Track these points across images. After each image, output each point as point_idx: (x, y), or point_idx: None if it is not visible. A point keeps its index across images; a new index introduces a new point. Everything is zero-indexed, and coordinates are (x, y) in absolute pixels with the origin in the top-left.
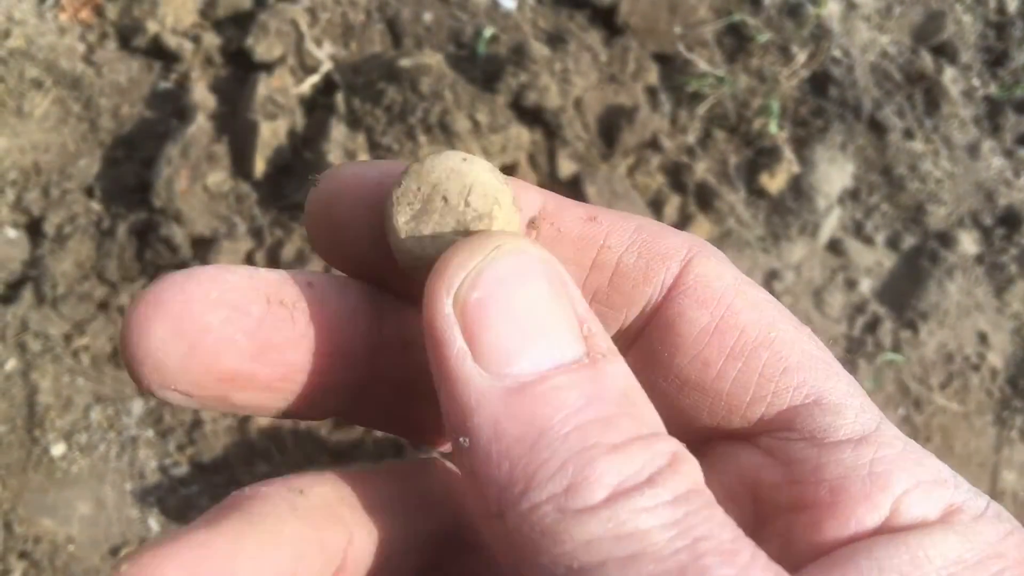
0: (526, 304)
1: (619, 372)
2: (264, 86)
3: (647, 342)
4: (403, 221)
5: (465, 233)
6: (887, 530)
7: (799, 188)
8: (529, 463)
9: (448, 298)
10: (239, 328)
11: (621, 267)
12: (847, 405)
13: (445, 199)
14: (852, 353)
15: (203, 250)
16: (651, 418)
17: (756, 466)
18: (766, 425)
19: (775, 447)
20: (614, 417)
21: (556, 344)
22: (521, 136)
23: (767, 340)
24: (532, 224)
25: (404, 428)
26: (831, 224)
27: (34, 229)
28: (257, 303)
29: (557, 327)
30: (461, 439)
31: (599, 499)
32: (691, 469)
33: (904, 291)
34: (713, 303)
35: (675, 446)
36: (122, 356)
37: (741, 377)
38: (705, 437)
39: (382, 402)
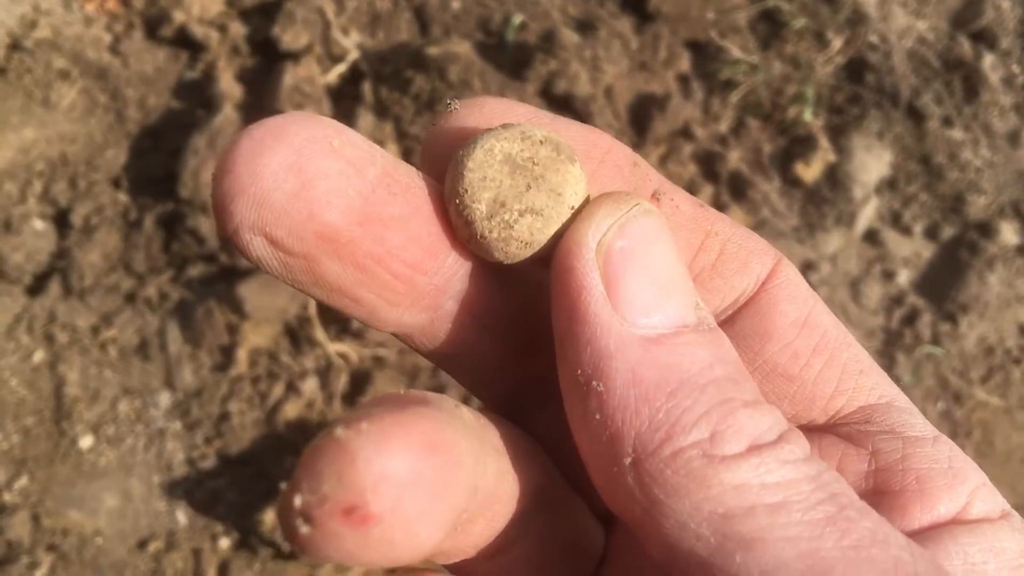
0: (663, 262)
1: (730, 345)
2: (291, 75)
3: (737, 328)
4: (485, 213)
5: (561, 209)
6: (960, 521)
7: (835, 177)
8: (673, 409)
9: (593, 242)
10: (353, 184)
11: (725, 254)
12: (914, 410)
13: (530, 180)
14: (890, 346)
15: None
16: (757, 387)
17: (839, 452)
18: (844, 418)
19: (856, 436)
20: (740, 379)
21: (684, 306)
22: None
23: (846, 343)
24: (655, 196)
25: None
26: (868, 214)
27: (61, 220)
28: (374, 168)
29: (684, 291)
30: (595, 383)
31: (743, 448)
32: (802, 438)
33: (943, 283)
34: (801, 300)
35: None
36: (216, 186)
37: (826, 371)
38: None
39: (476, 329)
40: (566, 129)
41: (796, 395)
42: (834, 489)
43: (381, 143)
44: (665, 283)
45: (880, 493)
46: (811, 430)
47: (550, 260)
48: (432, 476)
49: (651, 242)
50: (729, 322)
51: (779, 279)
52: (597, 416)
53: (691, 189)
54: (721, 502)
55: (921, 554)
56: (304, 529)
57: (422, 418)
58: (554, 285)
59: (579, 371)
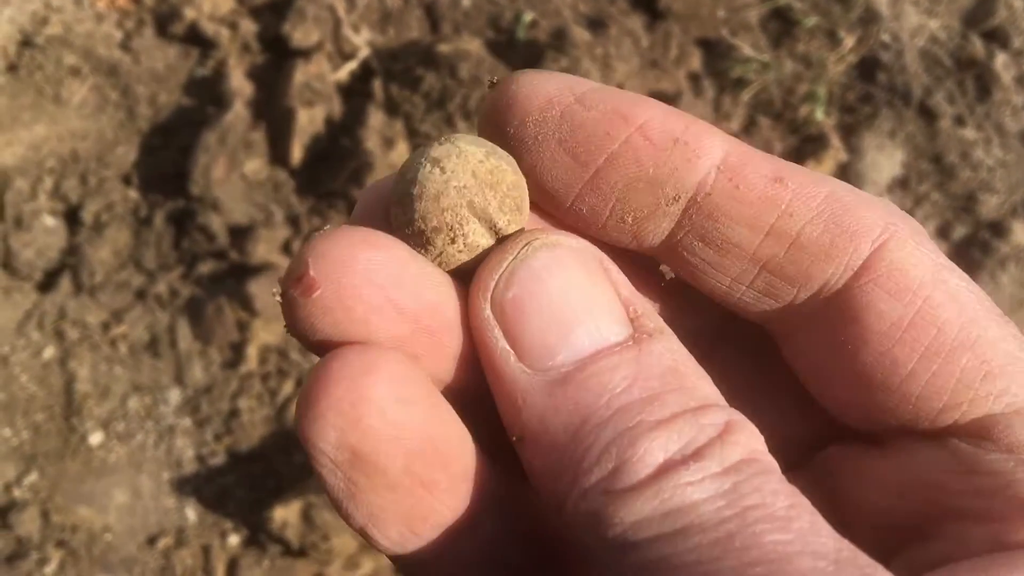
0: (561, 294)
1: (667, 348)
2: (301, 73)
3: (825, 328)
4: (442, 242)
5: (501, 241)
6: None
7: (846, 176)
8: (575, 451)
9: (486, 302)
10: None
11: (802, 239)
12: None
13: (484, 212)
14: None
15: (240, 238)
16: (703, 390)
17: (937, 468)
18: (957, 430)
19: (964, 453)
20: (660, 394)
21: (597, 328)
22: None
23: (968, 340)
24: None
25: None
26: None
27: (72, 217)
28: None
29: (596, 312)
30: (515, 437)
31: (644, 477)
32: (746, 438)
33: None
34: (908, 294)
35: (729, 415)
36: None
37: (935, 381)
38: (881, 430)
39: None
40: (594, 102)
41: (897, 408)
42: (748, 502)
43: (391, 141)
44: (568, 315)
45: (978, 519)
46: (915, 435)
47: None
48: (368, 264)
49: (544, 280)
50: (819, 324)
51: (880, 268)
52: (525, 466)
53: None
54: (625, 538)
55: (850, 560)
56: (276, 298)
57: (377, 236)
58: (474, 343)
59: (505, 427)
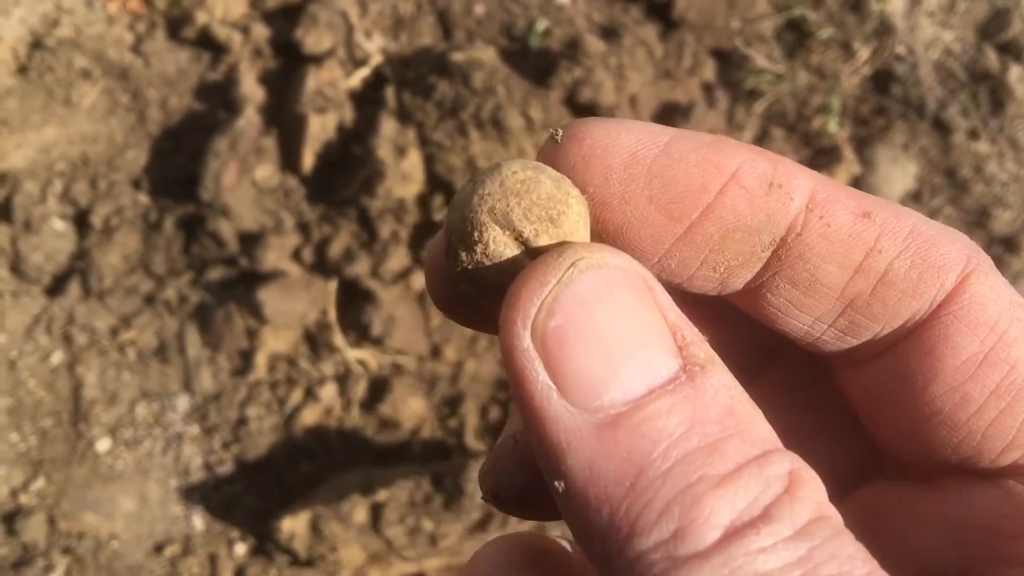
0: (610, 324)
1: (721, 384)
2: (313, 79)
3: (895, 359)
4: (464, 251)
5: (532, 254)
6: None
7: (859, 189)
8: (631, 507)
9: (525, 331)
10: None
11: (890, 275)
12: None
13: (505, 218)
14: None
15: (250, 245)
16: (761, 431)
17: (993, 510)
18: (1016, 471)
19: (1021, 496)
20: (720, 441)
21: (648, 363)
22: None
23: None
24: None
25: None
26: None
27: (81, 221)
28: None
29: (647, 344)
30: (556, 483)
31: (711, 542)
32: (812, 491)
33: None
34: (985, 330)
35: (791, 463)
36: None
37: (1002, 419)
38: (935, 466)
39: None
40: (681, 153)
41: (960, 444)
42: (826, 571)
43: (404, 150)
44: (617, 348)
45: None
46: (973, 473)
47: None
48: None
49: (591, 307)
50: (891, 353)
51: (961, 301)
52: (565, 515)
53: None
54: None
55: None
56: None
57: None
58: (508, 378)
59: (542, 468)
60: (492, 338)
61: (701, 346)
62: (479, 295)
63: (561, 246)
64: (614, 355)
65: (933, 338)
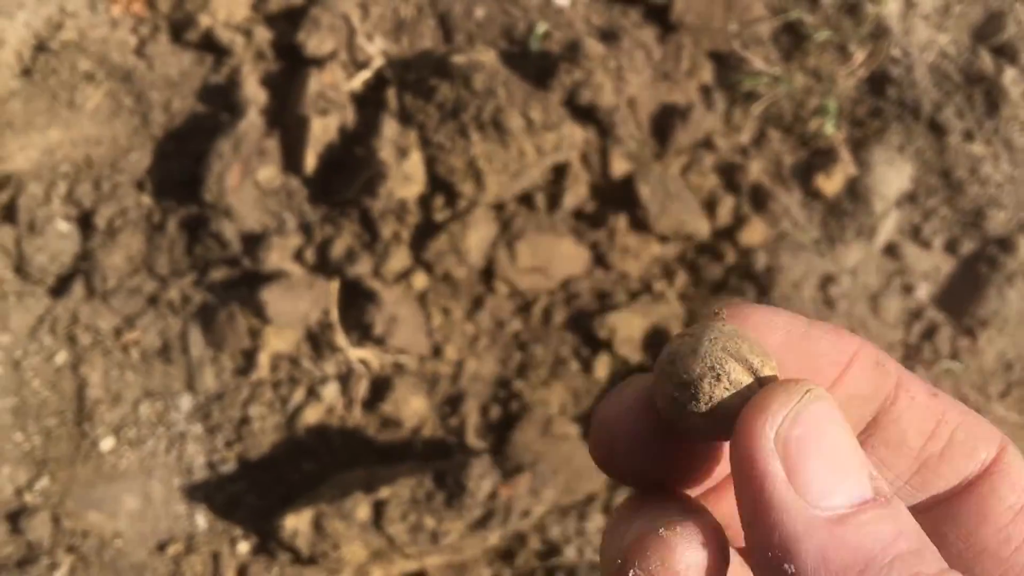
0: (837, 444)
1: (904, 510)
2: (316, 81)
3: (956, 509)
4: (702, 388)
5: (762, 382)
6: None
7: (856, 190)
8: None
9: (772, 432)
10: None
11: (953, 441)
12: None
13: (738, 353)
14: (909, 360)
15: (253, 246)
16: (938, 553)
17: None
18: None
19: None
20: (921, 550)
21: (858, 482)
22: (575, 134)
23: None
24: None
25: None
26: (888, 227)
27: (85, 222)
28: None
29: (858, 467)
30: (786, 565)
31: None
32: None
33: (963, 297)
34: (1021, 488)
35: None
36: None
37: None
38: None
39: None
40: (818, 335)
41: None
42: None
43: (405, 151)
44: (840, 463)
45: None
46: None
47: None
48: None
49: (824, 427)
50: (949, 502)
51: (1002, 464)
52: None
53: (712, 200)
54: None
55: None
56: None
57: (713, 528)
58: (737, 473)
59: (769, 553)
60: (494, 336)
61: (884, 482)
62: (711, 427)
63: (789, 378)
64: (841, 468)
65: (984, 490)
